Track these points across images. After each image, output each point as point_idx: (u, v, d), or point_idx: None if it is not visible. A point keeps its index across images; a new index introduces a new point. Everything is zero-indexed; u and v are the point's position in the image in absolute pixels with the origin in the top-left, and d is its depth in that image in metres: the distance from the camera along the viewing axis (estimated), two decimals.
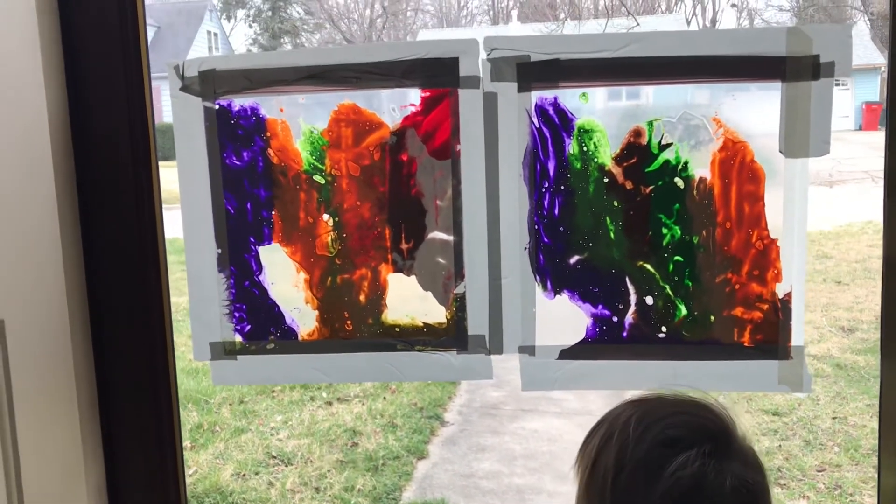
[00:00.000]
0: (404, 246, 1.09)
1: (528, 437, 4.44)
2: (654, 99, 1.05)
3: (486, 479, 3.96)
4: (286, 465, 4.09)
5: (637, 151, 1.05)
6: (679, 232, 1.06)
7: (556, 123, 1.05)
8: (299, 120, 1.08)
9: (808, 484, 3.76)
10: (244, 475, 3.96)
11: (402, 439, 4.34)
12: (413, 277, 1.10)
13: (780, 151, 1.03)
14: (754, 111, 1.04)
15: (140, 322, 1.09)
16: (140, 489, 1.11)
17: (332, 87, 1.06)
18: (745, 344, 1.07)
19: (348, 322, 1.11)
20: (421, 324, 1.11)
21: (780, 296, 1.06)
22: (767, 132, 1.04)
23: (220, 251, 1.11)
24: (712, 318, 1.07)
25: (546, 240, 1.08)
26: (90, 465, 1.07)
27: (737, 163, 1.04)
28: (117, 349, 1.09)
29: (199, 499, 3.70)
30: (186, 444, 4.27)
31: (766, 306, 1.06)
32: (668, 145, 1.05)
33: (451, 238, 1.09)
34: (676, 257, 1.06)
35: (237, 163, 1.09)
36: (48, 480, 1.00)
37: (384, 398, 4.80)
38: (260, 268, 1.11)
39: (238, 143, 1.09)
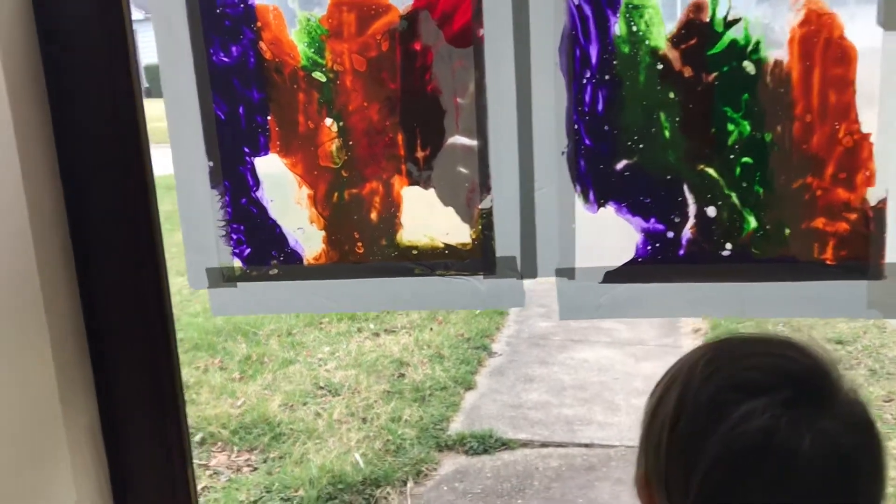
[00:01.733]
0: (420, 154, 0.93)
1: (578, 368, 4.32)
2: None
3: (534, 410, 3.86)
4: (333, 396, 4.06)
5: (697, 30, 0.86)
6: (748, 128, 0.88)
7: None
8: (294, 5, 0.92)
9: (875, 415, 3.56)
10: (292, 406, 3.93)
11: (450, 370, 4.26)
12: (431, 191, 0.95)
13: (879, 24, 0.83)
14: None
15: (131, 262, 0.96)
16: (141, 438, 1.01)
17: None
18: (828, 261, 0.89)
19: (359, 244, 0.97)
20: (441, 244, 0.96)
21: (873, 203, 0.87)
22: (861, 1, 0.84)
23: (211, 164, 0.97)
24: (788, 231, 0.90)
25: (588, 142, 0.91)
26: (80, 408, 0.96)
27: (821, 40, 0.85)
28: (107, 294, 0.97)
29: (247, 429, 3.69)
30: (235, 374, 4.27)
31: (854, 216, 0.88)
32: (736, 21, 0.86)
33: (474, 143, 0.92)
34: (745, 159, 0.89)
35: (225, 59, 0.94)
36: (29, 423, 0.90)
37: (431, 329, 4.71)
38: (257, 182, 0.97)
39: (225, 36, 0.93)
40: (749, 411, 0.59)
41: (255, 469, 3.40)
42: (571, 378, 4.22)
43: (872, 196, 0.87)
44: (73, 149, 0.93)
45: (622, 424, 3.71)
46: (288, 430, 3.71)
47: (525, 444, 3.58)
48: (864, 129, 0.86)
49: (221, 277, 0.99)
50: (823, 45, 0.85)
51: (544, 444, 3.56)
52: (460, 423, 3.75)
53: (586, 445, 3.54)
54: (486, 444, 3.54)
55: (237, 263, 0.99)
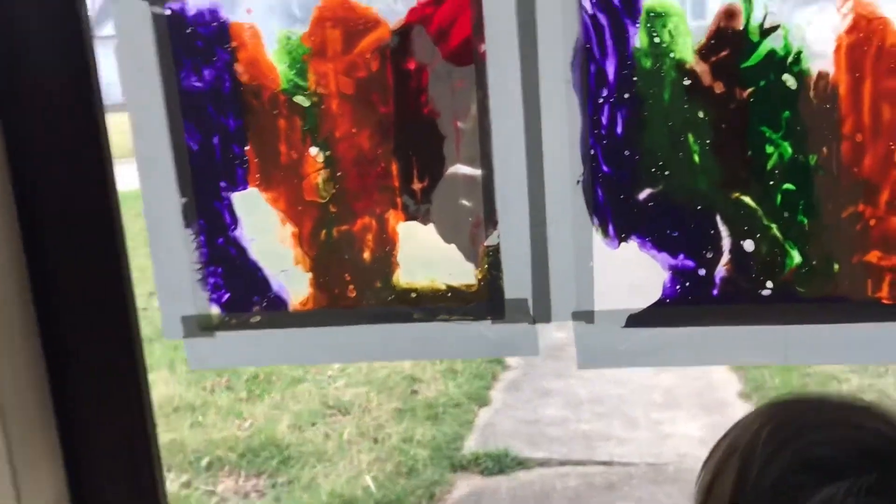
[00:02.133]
0: (417, 185, 0.83)
1: (595, 380, 4.19)
2: None
3: (551, 426, 3.74)
4: (344, 416, 3.95)
5: (730, 40, 0.75)
6: (790, 150, 0.77)
7: (615, 6, 0.77)
8: (273, 22, 0.82)
9: None
10: (301, 427, 3.83)
11: (463, 385, 4.15)
12: (431, 226, 0.84)
13: None
14: None
15: (96, 300, 0.86)
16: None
17: None
18: (884, 300, 0.78)
19: (351, 286, 0.86)
20: (443, 286, 0.85)
21: None
22: None
23: (184, 200, 0.86)
24: (837, 266, 0.78)
25: (606, 168, 0.80)
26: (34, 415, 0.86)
27: (873, 49, 0.74)
28: (73, 333, 0.87)
29: (255, 452, 3.59)
30: (242, 394, 4.17)
31: None
32: (774, 29, 0.75)
33: (478, 172, 0.82)
34: (786, 185, 0.78)
35: (197, 84, 0.84)
36: None
37: None
38: (235, 220, 0.87)
39: (197, 58, 0.83)
40: (827, 498, 0.48)
41: (264, 495, 3.30)
42: (588, 391, 4.10)
43: None
44: (28, 164, 0.84)
45: (641, 440, 3.58)
46: (297, 452, 3.61)
47: (542, 462, 3.46)
48: None
49: (198, 326, 0.89)
50: (875, 55, 0.74)
51: (562, 463, 3.44)
52: (475, 442, 3.64)
53: (606, 463, 3.42)
54: (501, 464, 3.42)
55: (215, 310, 0.89)
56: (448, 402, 4.00)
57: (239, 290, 0.88)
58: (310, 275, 0.87)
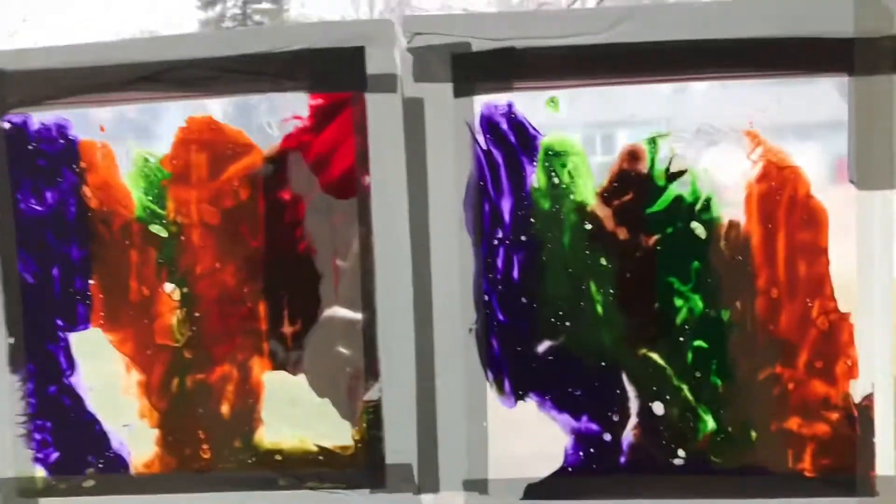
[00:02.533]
0: (288, 329, 0.72)
1: None
2: (658, 105, 0.69)
3: None
4: None
5: (634, 183, 0.69)
6: (701, 304, 0.70)
7: (511, 143, 0.70)
8: (129, 143, 0.72)
9: None
10: None
11: None
12: (302, 377, 0.73)
13: (851, 181, 0.68)
14: (809, 120, 0.69)
15: None
16: None
17: (177, 93, 0.71)
18: (807, 473, 0.70)
19: (205, 446, 0.74)
20: (315, 448, 0.73)
21: (857, 400, 0.69)
22: (830, 151, 0.69)
23: (11, 341, 0.73)
24: (754, 433, 0.70)
25: (502, 317, 0.72)
26: None
27: (785, 198, 0.69)
28: None
29: None
30: None
31: (835, 415, 0.70)
32: (681, 173, 0.69)
33: (358, 316, 0.72)
34: (698, 342, 0.70)
35: (37, 208, 0.73)
36: None
37: None
38: (72, 365, 0.74)
39: (39, 179, 0.73)
40: None
41: None
42: None
43: (856, 391, 0.69)
44: None
45: None
46: None
47: None
48: (843, 308, 0.69)
49: (18, 492, 0.74)
50: (788, 205, 0.69)
51: None
52: None
53: None
54: None
55: (40, 472, 0.74)
56: None
57: (71, 448, 0.74)
58: (157, 431, 0.74)
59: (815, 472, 0.70)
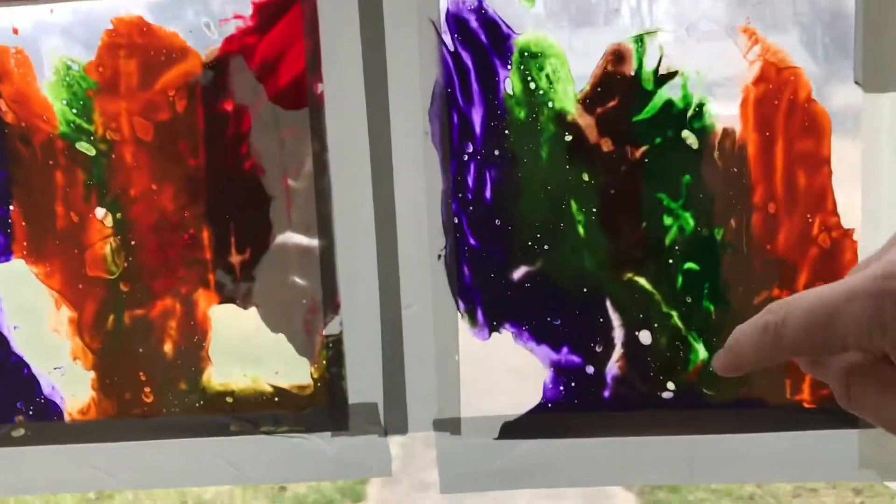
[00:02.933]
0: (236, 258, 0.65)
1: None
2: None
3: None
4: None
5: (619, 87, 0.62)
6: (692, 222, 0.63)
7: (482, 43, 0.62)
8: (48, 47, 0.63)
9: None
10: None
11: (337, 480, 3.86)
12: (253, 310, 0.66)
13: (856, 82, 0.61)
14: (811, 14, 0.62)
15: None
16: None
17: None
18: (805, 404, 0.65)
19: (147, 389, 0.66)
20: (269, 388, 0.66)
21: None
22: (833, 50, 0.62)
23: None
24: None
25: (473, 241, 0.65)
26: None
27: (784, 103, 0.62)
28: None
29: None
30: (91, 495, 3.74)
31: None
32: (671, 75, 0.62)
33: (314, 242, 0.65)
34: (688, 265, 0.64)
35: None
36: None
37: None
38: None
39: None
40: None
41: None
42: None
43: None
44: None
45: None
46: None
47: None
48: (846, 224, 0.63)
49: None
50: (787, 110, 0.62)
51: None
52: None
53: None
54: None
55: None
56: (320, 499, 3.71)
57: None
58: (92, 374, 0.66)
59: (814, 402, 0.65)
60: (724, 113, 0.62)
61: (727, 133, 0.62)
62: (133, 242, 0.65)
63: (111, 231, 0.65)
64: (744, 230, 0.63)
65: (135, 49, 0.63)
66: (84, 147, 0.64)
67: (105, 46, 0.63)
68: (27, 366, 0.67)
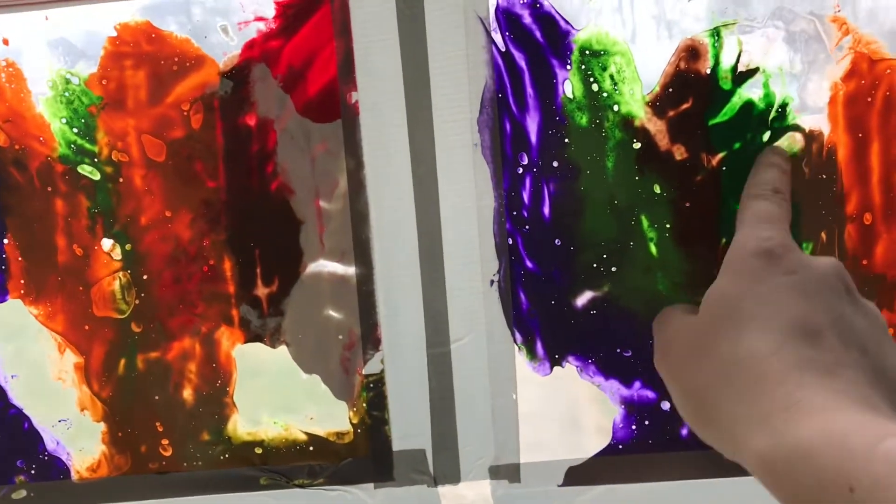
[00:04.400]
0: (262, 291, 0.57)
1: None
2: None
3: None
4: None
5: (693, 87, 0.55)
6: None
7: (537, 41, 0.55)
8: (43, 59, 0.56)
9: None
10: None
11: None
12: (283, 349, 0.58)
13: None
14: None
15: None
16: None
17: None
18: None
19: (164, 441, 0.59)
20: (303, 436, 0.59)
21: None
22: None
23: None
24: None
25: (530, 264, 0.57)
26: None
27: (878, 100, 0.55)
28: None
29: None
30: None
31: None
32: (752, 73, 0.55)
33: (350, 270, 0.57)
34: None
35: None
36: None
37: None
38: None
39: None
40: None
41: None
42: None
43: None
44: None
45: None
46: None
47: None
48: None
49: None
50: (882, 108, 0.55)
51: None
52: None
53: None
54: None
55: None
56: None
57: None
58: (102, 426, 0.59)
59: None
60: (811, 113, 0.55)
61: (814, 136, 0.55)
62: (145, 277, 0.57)
63: (120, 265, 0.57)
64: (836, 244, 0.56)
65: (143, 58, 0.55)
66: (87, 170, 0.56)
67: (109, 56, 0.55)
68: (28, 419, 0.59)
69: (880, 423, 0.32)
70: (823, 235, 0.56)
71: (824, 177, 0.56)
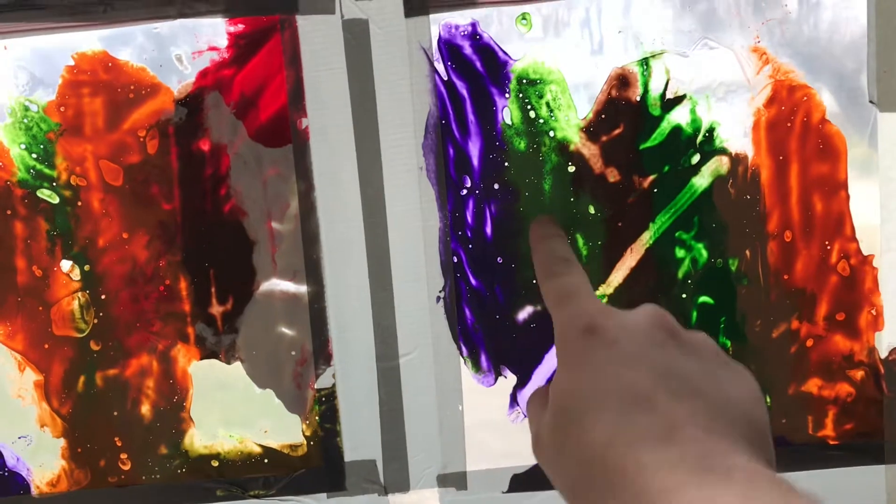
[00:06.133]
0: (217, 309, 0.60)
1: None
2: (649, 18, 0.58)
3: None
4: None
5: (624, 114, 0.58)
6: (705, 254, 0.60)
7: (478, 71, 0.58)
8: (3, 87, 0.58)
9: None
10: None
11: None
12: (237, 365, 0.61)
13: (871, 101, 0.58)
14: (823, 32, 0.59)
15: None
16: None
17: (59, 23, 0.57)
18: (829, 440, 0.61)
19: (123, 455, 0.61)
20: (258, 449, 0.61)
21: (884, 354, 0.60)
22: (847, 67, 0.59)
23: None
24: (769, 399, 0.61)
25: (475, 281, 0.60)
26: None
27: (797, 125, 0.59)
28: None
29: None
30: None
31: (860, 373, 0.61)
32: (679, 100, 0.59)
33: (302, 289, 0.60)
34: (702, 298, 0.60)
35: None
36: None
37: None
38: None
39: None
40: None
41: None
42: None
43: (882, 344, 0.61)
44: None
45: None
46: None
47: None
48: (866, 250, 0.60)
49: None
50: (800, 132, 0.59)
51: None
52: None
53: None
54: None
55: None
56: None
57: None
58: (62, 441, 0.61)
59: (838, 439, 0.61)
60: (736, 138, 0.59)
61: (739, 159, 0.59)
62: (103, 296, 0.59)
63: (79, 285, 0.59)
64: (759, 260, 0.60)
65: (100, 86, 0.57)
66: (46, 194, 0.58)
67: (66, 84, 0.57)
68: None
69: (711, 491, 0.31)
70: (748, 252, 0.60)
71: (748, 197, 0.59)
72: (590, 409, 0.37)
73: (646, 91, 0.58)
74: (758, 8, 0.57)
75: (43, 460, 0.61)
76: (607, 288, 0.60)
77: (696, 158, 0.59)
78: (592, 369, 0.39)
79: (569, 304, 0.45)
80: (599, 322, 0.42)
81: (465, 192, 0.59)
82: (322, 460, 0.61)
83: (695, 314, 0.60)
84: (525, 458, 0.62)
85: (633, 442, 0.34)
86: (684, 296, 0.60)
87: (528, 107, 0.58)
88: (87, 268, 0.59)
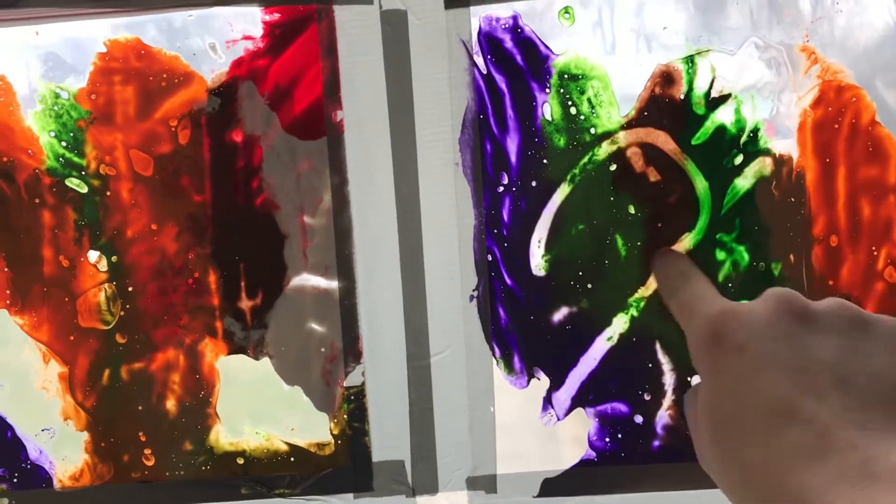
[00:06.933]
0: (246, 304, 0.58)
1: None
2: (696, 16, 0.57)
3: None
4: None
5: (668, 112, 0.57)
6: (747, 256, 0.58)
7: (518, 65, 0.57)
8: (32, 72, 0.57)
9: None
10: None
11: None
12: (266, 361, 0.59)
13: None
14: (875, 32, 0.57)
15: None
16: None
17: (93, 8, 0.56)
18: None
19: (147, 450, 0.60)
20: (284, 447, 0.60)
21: None
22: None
23: None
24: None
25: (509, 280, 0.59)
26: None
27: (845, 127, 0.57)
28: None
29: None
30: None
31: None
32: (724, 99, 0.57)
33: (333, 284, 0.58)
34: (743, 301, 0.58)
35: None
36: None
37: None
38: None
39: None
40: None
41: None
42: None
43: None
44: None
45: None
46: None
47: None
48: None
49: None
50: (848, 135, 0.57)
51: None
52: None
53: None
54: None
55: None
56: None
57: None
58: (86, 435, 0.60)
59: None
60: (781, 138, 0.57)
61: (784, 160, 0.57)
62: (131, 289, 0.58)
63: (106, 276, 0.58)
64: (804, 265, 0.58)
65: (131, 74, 0.56)
66: (75, 183, 0.57)
67: (98, 71, 0.56)
68: (11, 428, 0.60)
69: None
70: (792, 256, 0.58)
71: (793, 200, 0.58)
72: (735, 427, 0.37)
73: (690, 89, 0.57)
74: (808, 5, 0.56)
75: (66, 454, 0.60)
76: (646, 290, 0.58)
77: (739, 159, 0.57)
78: (727, 381, 0.38)
79: (691, 316, 0.45)
80: (722, 329, 0.41)
81: (501, 189, 0.58)
82: (349, 460, 0.59)
83: None
84: (557, 463, 0.60)
85: (786, 461, 0.33)
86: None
87: (569, 103, 0.57)
88: (114, 259, 0.58)
